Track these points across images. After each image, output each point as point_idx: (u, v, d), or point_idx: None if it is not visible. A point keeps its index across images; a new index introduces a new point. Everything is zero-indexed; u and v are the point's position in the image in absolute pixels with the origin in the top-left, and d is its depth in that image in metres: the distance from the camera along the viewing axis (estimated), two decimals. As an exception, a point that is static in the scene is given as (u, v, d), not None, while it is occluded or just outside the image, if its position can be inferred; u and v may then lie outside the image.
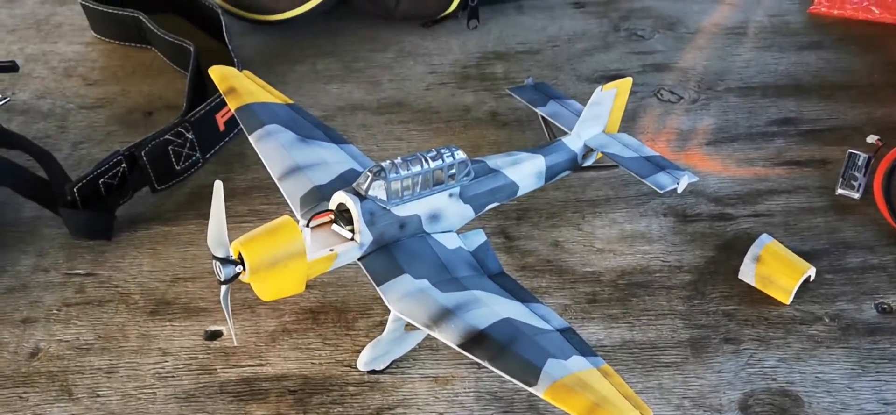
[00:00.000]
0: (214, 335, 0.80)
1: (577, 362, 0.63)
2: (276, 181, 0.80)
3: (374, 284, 0.70)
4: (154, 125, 1.06)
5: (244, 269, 0.67)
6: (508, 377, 0.62)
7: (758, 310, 0.79)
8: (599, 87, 0.86)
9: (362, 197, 0.71)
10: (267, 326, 0.80)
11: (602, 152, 0.88)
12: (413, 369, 0.76)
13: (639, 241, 0.87)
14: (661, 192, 0.84)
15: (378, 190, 0.71)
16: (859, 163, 0.90)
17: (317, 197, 0.76)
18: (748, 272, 0.80)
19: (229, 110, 1.02)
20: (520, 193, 0.83)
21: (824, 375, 0.74)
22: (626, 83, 0.88)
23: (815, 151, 0.98)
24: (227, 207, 0.92)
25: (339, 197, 0.71)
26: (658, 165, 0.87)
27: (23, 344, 0.80)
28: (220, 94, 1.01)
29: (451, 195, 0.75)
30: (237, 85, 0.89)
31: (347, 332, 0.79)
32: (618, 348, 0.77)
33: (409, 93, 1.10)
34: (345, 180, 0.77)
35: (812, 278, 0.81)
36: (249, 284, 0.68)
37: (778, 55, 1.13)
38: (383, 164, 0.72)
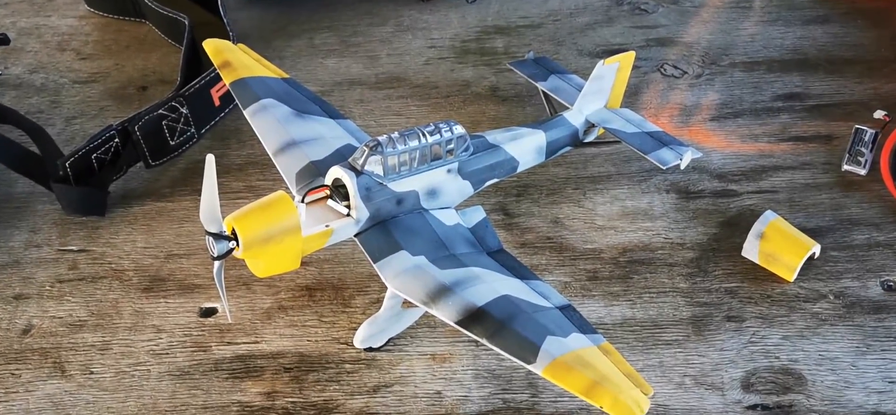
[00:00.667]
0: (209, 312, 0.79)
1: (577, 340, 0.62)
2: (272, 156, 0.78)
3: (371, 261, 0.69)
4: (148, 100, 1.04)
5: (238, 245, 0.65)
6: (507, 355, 0.61)
7: (761, 287, 0.78)
8: (601, 62, 0.84)
9: (358, 172, 0.69)
10: (262, 303, 0.79)
11: (604, 128, 0.86)
12: (410, 346, 0.75)
13: (641, 217, 0.86)
14: (664, 168, 0.83)
15: (374, 165, 0.70)
16: (866, 139, 0.89)
17: (313, 172, 0.74)
18: (751, 249, 0.79)
19: (224, 85, 1.00)
20: (520, 169, 0.81)
21: (828, 353, 0.72)
22: (629, 57, 0.87)
23: (821, 127, 0.96)
24: (222, 183, 0.92)
25: (335, 172, 0.70)
26: (661, 140, 0.85)
27: (15, 321, 0.78)
28: (215, 69, 0.99)
29: (449, 171, 0.74)
30: (232, 59, 0.88)
31: (344, 309, 0.78)
32: (618, 325, 0.75)
33: (407, 67, 1.08)
34: (341, 156, 0.75)
35: (816, 256, 0.80)
36: (243, 260, 0.67)
37: (784, 29, 1.11)
38: (380, 138, 0.70)
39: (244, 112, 0.83)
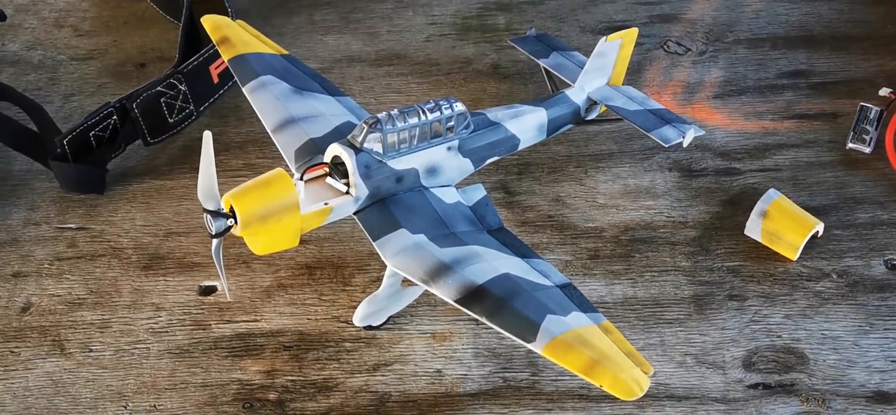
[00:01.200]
0: (208, 290, 0.78)
1: (577, 318, 0.61)
2: (270, 133, 0.77)
3: (370, 239, 0.69)
4: (147, 77, 1.03)
5: (236, 222, 0.65)
6: (506, 333, 0.61)
7: (763, 266, 0.77)
8: (603, 38, 0.83)
9: (358, 149, 0.69)
10: (262, 281, 0.79)
11: (606, 105, 0.85)
12: (410, 325, 0.74)
13: (642, 196, 0.85)
14: (666, 146, 0.82)
15: (374, 142, 0.69)
16: (871, 116, 0.88)
17: (312, 150, 0.74)
18: (754, 228, 0.78)
19: (223, 62, 0.99)
20: (521, 147, 0.81)
21: (831, 332, 0.72)
22: (631, 34, 0.86)
23: (826, 105, 0.95)
24: (221, 161, 0.91)
25: (334, 149, 0.69)
26: (663, 118, 0.85)
27: (14, 299, 0.78)
28: (214, 46, 0.98)
29: (449, 148, 0.73)
30: (231, 35, 0.87)
31: (344, 288, 0.78)
32: (620, 304, 0.75)
33: (408, 44, 1.07)
34: (341, 133, 0.74)
35: (820, 234, 0.79)
36: (242, 238, 0.67)
37: (789, 5, 1.10)
38: (379, 115, 0.70)
39: (243, 89, 0.82)
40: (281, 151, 0.76)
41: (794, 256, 0.77)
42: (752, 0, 1.10)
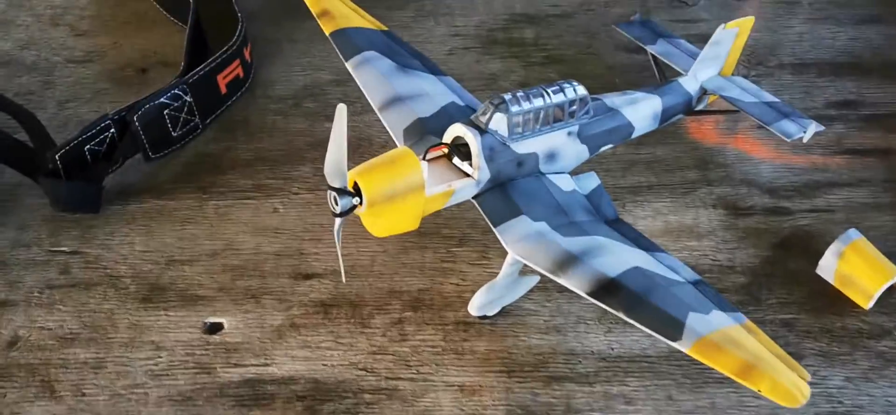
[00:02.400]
0: (214, 328, 0.72)
1: (719, 318, 0.58)
2: (377, 111, 0.75)
3: (491, 225, 0.66)
4: (149, 84, 0.96)
5: (361, 202, 0.62)
6: (648, 330, 0.58)
7: (820, 320, 0.71)
8: (722, 25, 0.80)
9: (483, 131, 0.66)
10: (273, 318, 0.72)
11: (720, 95, 0.82)
12: (436, 375, 0.68)
13: (685, 235, 0.79)
14: (788, 140, 0.79)
15: (499, 123, 0.66)
16: (929, 155, 0.81)
17: (420, 129, 0.71)
18: (828, 269, 0.72)
19: (233, 70, 0.93)
20: (634, 135, 0.77)
21: (896, 398, 0.66)
22: (748, 22, 0.83)
23: (879, 139, 0.88)
24: (227, 181, 0.85)
25: (457, 130, 0.66)
26: (781, 111, 0.81)
27: (0, 331, 0.71)
28: (223, 52, 0.92)
29: (569, 134, 0.70)
30: (331, 7, 0.85)
31: (362, 330, 0.71)
32: (664, 358, 0.69)
33: (430, 57, 1.00)
34: (447, 113, 0.73)
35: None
36: (360, 218, 0.64)
37: (835, 28, 1.03)
38: (505, 95, 0.67)
39: (346, 64, 0.80)
40: (388, 129, 0.73)
41: (867, 305, 0.71)
42: (795, 21, 1.04)
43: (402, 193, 0.63)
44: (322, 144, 0.78)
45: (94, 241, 0.79)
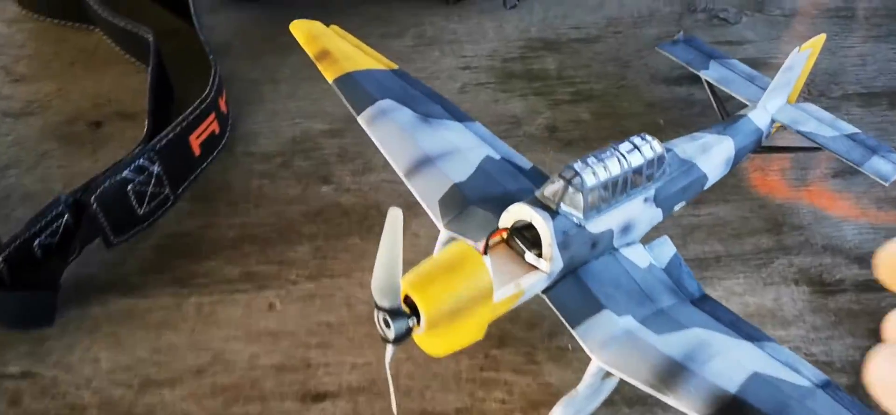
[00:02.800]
0: (206, 479, 0.57)
1: None
2: (403, 176, 0.64)
3: (568, 325, 0.54)
4: (104, 141, 0.80)
5: (418, 322, 0.50)
6: None
7: (942, 429, 0.59)
8: (797, 48, 0.70)
9: (554, 212, 0.55)
10: (279, 461, 0.58)
11: (796, 130, 0.71)
12: None
13: (768, 321, 0.66)
14: (887, 184, 0.68)
15: (572, 202, 0.55)
16: None
17: (459, 199, 0.60)
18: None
19: (206, 129, 0.78)
20: (707, 186, 0.67)
21: None
22: (819, 41, 0.73)
23: (971, 186, 0.77)
24: (210, 270, 0.70)
25: (523, 212, 0.55)
26: (866, 145, 0.71)
27: (-71, 499, 0.56)
28: (195, 108, 0.76)
29: (646, 200, 0.60)
30: (331, 47, 0.72)
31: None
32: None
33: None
34: (485, 173, 0.63)
35: None
36: (414, 339, 0.51)
37: (897, 48, 0.92)
38: (575, 166, 0.56)
39: (357, 117, 0.68)
40: (419, 200, 0.61)
41: None
42: (854, 40, 0.92)
43: (467, 305, 0.51)
44: (320, 215, 0.65)
45: (48, 358, 0.64)
